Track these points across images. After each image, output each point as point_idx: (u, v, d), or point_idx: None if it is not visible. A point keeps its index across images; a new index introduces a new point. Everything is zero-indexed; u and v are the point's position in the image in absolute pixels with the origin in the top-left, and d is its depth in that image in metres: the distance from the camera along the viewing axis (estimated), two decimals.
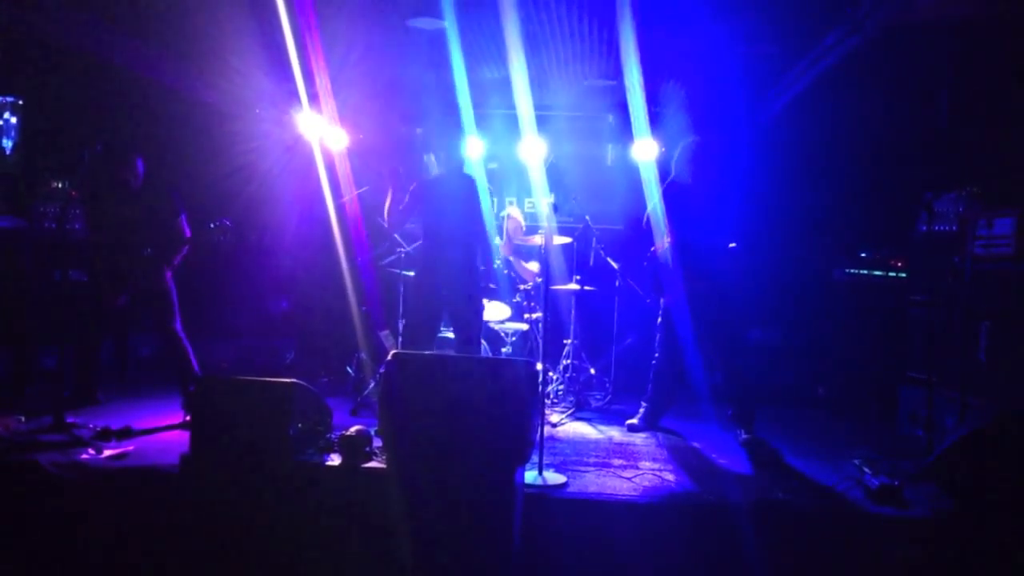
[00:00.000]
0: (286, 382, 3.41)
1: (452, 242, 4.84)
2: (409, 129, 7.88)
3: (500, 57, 6.06)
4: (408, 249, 5.77)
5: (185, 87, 6.72)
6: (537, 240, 6.29)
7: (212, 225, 4.88)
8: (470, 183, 5.02)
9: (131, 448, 4.01)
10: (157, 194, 4.92)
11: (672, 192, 4.93)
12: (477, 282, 4.99)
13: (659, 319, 5.03)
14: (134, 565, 3.48)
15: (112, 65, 6.03)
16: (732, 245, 4.91)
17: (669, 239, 4.96)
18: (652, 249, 5.01)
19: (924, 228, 4.92)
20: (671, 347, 4.93)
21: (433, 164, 7.25)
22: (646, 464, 4.20)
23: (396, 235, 5.94)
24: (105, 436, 4.17)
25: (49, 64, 5.84)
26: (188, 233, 4.95)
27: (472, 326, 4.93)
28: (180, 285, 5.04)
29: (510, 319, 6.09)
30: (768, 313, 6.59)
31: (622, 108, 6.79)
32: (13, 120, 5.94)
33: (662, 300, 5.01)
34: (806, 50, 5.53)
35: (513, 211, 6.68)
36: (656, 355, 5.07)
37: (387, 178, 4.96)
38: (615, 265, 6.25)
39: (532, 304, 6.25)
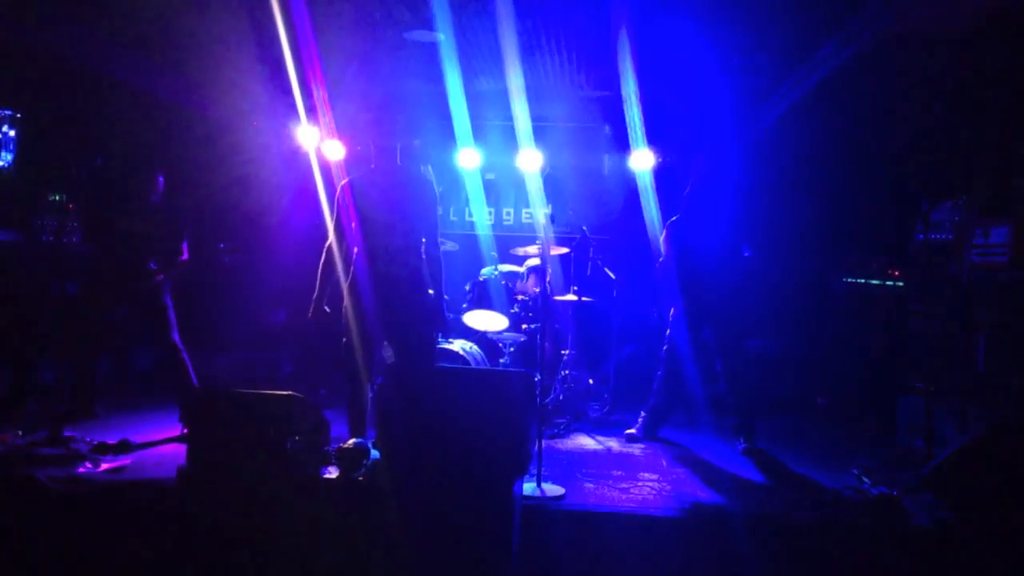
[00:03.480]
0: (284, 395, 3.41)
1: (392, 256, 4.02)
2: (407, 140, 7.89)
3: (497, 69, 6.09)
4: None
5: (183, 99, 6.73)
6: (534, 251, 6.29)
7: (222, 246, 4.90)
8: (421, 182, 4.14)
9: (128, 462, 4.01)
10: (168, 212, 4.98)
11: (684, 207, 4.96)
12: (427, 310, 4.12)
13: (667, 331, 5.03)
14: None
15: (110, 78, 6.04)
16: (746, 255, 4.94)
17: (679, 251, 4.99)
18: (660, 261, 5.03)
19: (921, 237, 4.94)
20: (680, 358, 4.93)
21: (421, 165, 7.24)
22: (645, 475, 4.20)
23: None
24: (102, 450, 4.17)
25: (47, 77, 5.85)
26: (186, 256, 5.00)
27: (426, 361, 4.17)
28: (177, 298, 5.05)
29: (507, 330, 6.09)
30: (766, 323, 6.59)
31: (618, 119, 6.82)
32: (11, 133, 5.94)
33: (671, 311, 5.02)
34: (802, 61, 5.55)
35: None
36: (662, 366, 5.07)
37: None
38: (612, 275, 6.25)
39: (530, 315, 6.24)
